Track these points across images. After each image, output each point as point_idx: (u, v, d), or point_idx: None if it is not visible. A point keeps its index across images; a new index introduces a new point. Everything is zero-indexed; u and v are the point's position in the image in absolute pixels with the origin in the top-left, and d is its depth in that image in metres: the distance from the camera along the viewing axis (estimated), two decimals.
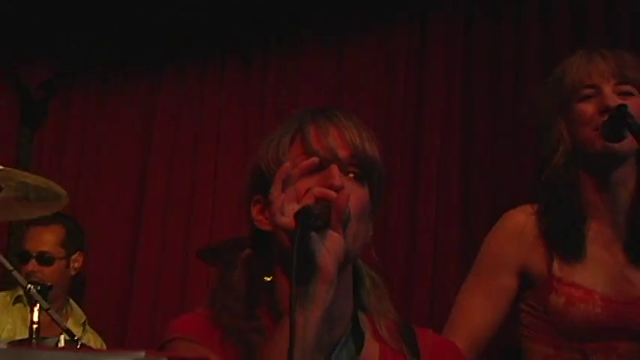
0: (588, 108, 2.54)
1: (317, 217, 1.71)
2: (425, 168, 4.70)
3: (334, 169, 1.80)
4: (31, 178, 3.63)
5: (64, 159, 5.51)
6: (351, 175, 1.86)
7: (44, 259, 4.35)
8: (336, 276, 1.74)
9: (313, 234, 1.71)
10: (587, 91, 2.54)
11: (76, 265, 4.57)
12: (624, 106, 2.45)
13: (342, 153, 1.85)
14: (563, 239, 2.56)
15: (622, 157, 2.53)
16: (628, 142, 2.47)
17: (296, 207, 1.71)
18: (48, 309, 3.47)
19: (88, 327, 4.48)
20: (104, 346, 4.48)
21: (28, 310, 4.06)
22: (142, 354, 1.07)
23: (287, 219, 1.71)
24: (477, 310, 2.63)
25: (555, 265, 2.56)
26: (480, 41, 4.76)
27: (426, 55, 4.87)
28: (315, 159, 1.81)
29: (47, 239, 4.41)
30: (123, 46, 5.53)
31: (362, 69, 5.00)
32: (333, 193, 1.74)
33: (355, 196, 1.81)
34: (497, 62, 4.65)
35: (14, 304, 4.37)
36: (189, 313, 1.96)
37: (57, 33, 5.49)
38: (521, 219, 2.66)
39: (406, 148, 4.75)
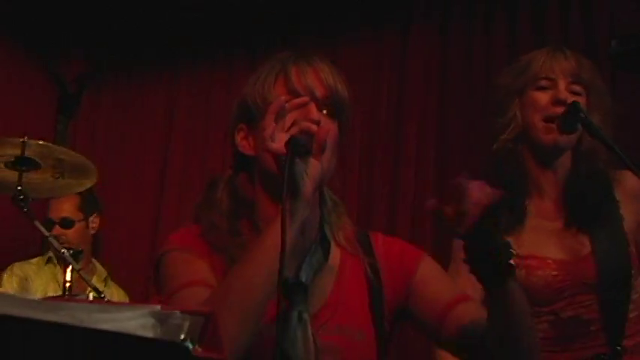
0: (542, 97, 2.54)
1: (302, 146, 1.77)
2: (404, 151, 4.69)
3: (312, 106, 1.86)
4: (65, 154, 3.63)
5: (94, 143, 5.50)
6: (325, 111, 1.89)
7: (66, 223, 4.36)
8: (312, 196, 1.83)
9: (298, 160, 1.76)
10: (545, 83, 2.55)
11: (94, 225, 4.62)
12: (578, 102, 2.46)
13: (319, 92, 1.89)
14: (511, 215, 2.53)
15: (566, 149, 2.56)
16: (572, 138, 2.52)
17: (284, 136, 1.77)
18: (79, 270, 3.48)
19: (110, 282, 4.48)
20: (127, 298, 4.50)
21: (58, 268, 4.10)
22: (158, 307, 1.05)
23: (278, 145, 1.77)
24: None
25: (512, 243, 2.55)
26: (453, 45, 4.73)
27: (407, 57, 4.85)
28: (306, 98, 1.86)
29: (66, 207, 4.43)
30: (146, 46, 5.50)
31: (352, 68, 4.97)
32: (315, 127, 1.80)
33: (329, 130, 1.88)
34: (469, 62, 4.64)
35: (46, 264, 4.37)
36: (184, 228, 2.00)
37: (89, 34, 5.50)
38: None
39: (389, 134, 4.76)
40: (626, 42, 1.59)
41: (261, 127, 1.85)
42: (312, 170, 1.79)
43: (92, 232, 4.58)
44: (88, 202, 4.53)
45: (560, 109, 2.49)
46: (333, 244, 1.99)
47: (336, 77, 1.95)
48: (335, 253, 1.99)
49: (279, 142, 1.77)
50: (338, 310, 1.92)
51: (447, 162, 4.57)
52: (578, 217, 2.56)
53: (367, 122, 4.82)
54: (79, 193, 4.36)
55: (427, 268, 2.04)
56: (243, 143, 1.97)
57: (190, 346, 1.02)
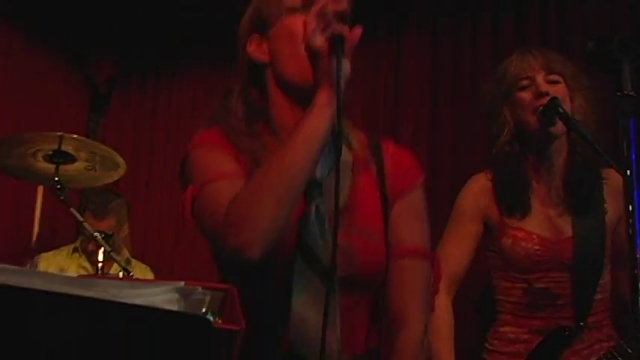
0: (526, 95, 2.56)
1: (343, 43, 1.66)
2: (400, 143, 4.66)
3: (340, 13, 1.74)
4: (97, 148, 3.64)
5: (123, 138, 5.51)
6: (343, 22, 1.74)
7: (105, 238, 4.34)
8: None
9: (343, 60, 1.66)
10: (524, 82, 2.57)
11: (124, 234, 4.50)
12: (556, 98, 2.49)
13: (340, 6, 1.75)
14: (513, 198, 2.58)
15: (555, 136, 2.56)
16: (559, 126, 2.51)
17: (322, 37, 1.67)
18: (110, 251, 3.49)
19: (135, 261, 4.43)
20: (149, 272, 4.48)
21: (83, 258, 4.09)
22: (182, 283, 1.06)
23: (321, 41, 1.66)
24: (453, 254, 2.64)
25: (505, 215, 2.59)
26: (444, 47, 4.73)
27: (402, 60, 4.83)
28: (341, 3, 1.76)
29: (103, 226, 4.34)
30: (169, 51, 5.50)
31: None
32: (348, 30, 1.69)
33: (355, 36, 1.71)
34: (458, 67, 4.63)
35: (72, 253, 4.36)
36: (207, 130, 1.85)
37: (119, 41, 5.51)
38: (483, 181, 2.68)
39: (384, 133, 4.72)
40: (601, 43, 1.58)
41: (280, 29, 1.77)
42: (346, 67, 1.66)
43: (123, 235, 4.49)
44: (120, 220, 4.45)
45: (544, 100, 2.51)
46: (345, 148, 1.79)
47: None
48: (347, 157, 1.81)
49: (321, 39, 1.67)
50: (353, 211, 1.77)
51: (439, 155, 4.57)
52: (571, 202, 2.58)
53: (366, 118, 4.81)
54: (113, 214, 4.32)
55: (413, 201, 1.90)
56: (257, 53, 1.83)
57: (211, 318, 1.03)
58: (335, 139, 1.69)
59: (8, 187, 4.70)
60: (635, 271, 1.47)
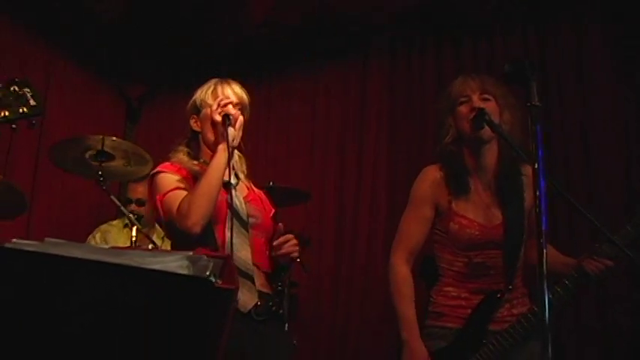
0: (464, 109, 2.58)
1: (229, 120, 2.39)
2: (366, 147, 4.67)
3: (231, 103, 2.47)
4: (131, 149, 3.64)
5: (151, 142, 5.42)
6: (237, 107, 2.49)
7: (139, 202, 4.32)
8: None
9: (227, 127, 2.38)
10: (463, 99, 2.59)
11: None
12: (483, 109, 2.51)
13: (235, 98, 2.50)
14: (457, 186, 2.58)
15: (484, 140, 2.56)
16: (487, 132, 2.52)
17: (219, 116, 2.40)
18: (141, 229, 3.48)
19: (166, 239, 4.42)
20: None
21: (130, 230, 4.08)
22: (190, 253, 1.06)
23: (218, 118, 2.40)
24: (412, 232, 2.61)
25: (453, 203, 2.57)
26: (399, 73, 4.70)
27: (366, 80, 4.82)
28: (231, 100, 2.47)
29: (140, 190, 4.36)
30: (186, 76, 5.45)
31: (328, 87, 4.97)
32: (233, 112, 2.44)
33: (239, 115, 2.46)
34: (410, 86, 4.63)
35: (124, 227, 4.33)
36: (165, 163, 2.47)
37: (148, 65, 5.45)
38: (434, 172, 2.66)
39: (354, 135, 4.75)
40: (515, 65, 1.60)
41: (204, 115, 2.48)
42: (232, 132, 2.38)
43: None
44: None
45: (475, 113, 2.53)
46: (238, 172, 2.54)
47: (242, 91, 2.53)
48: (242, 182, 2.53)
49: (218, 117, 2.39)
50: (252, 199, 2.48)
51: (398, 157, 4.55)
52: (501, 195, 2.59)
53: (338, 125, 4.81)
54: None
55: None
56: (194, 125, 2.53)
57: (213, 280, 1.03)
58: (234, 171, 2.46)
59: (65, 180, 4.69)
60: (541, 240, 1.49)
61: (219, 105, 2.42)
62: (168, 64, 5.40)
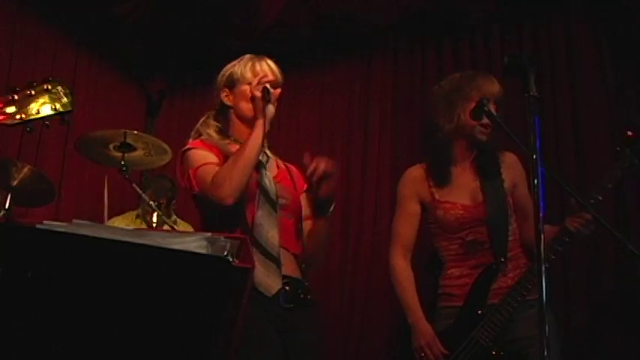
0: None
1: (269, 95, 2.24)
2: (371, 138, 4.64)
3: (270, 81, 2.30)
4: (151, 140, 3.63)
5: (170, 134, 5.39)
6: (274, 84, 2.31)
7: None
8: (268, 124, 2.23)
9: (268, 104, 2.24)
10: (484, 100, 2.46)
11: (173, 207, 4.40)
12: (484, 98, 2.46)
13: (272, 76, 2.32)
14: (439, 177, 2.61)
15: (484, 141, 2.60)
16: (487, 134, 2.56)
17: (259, 91, 2.23)
18: (161, 215, 3.47)
19: (180, 221, 4.35)
20: (191, 228, 4.38)
21: (143, 223, 4.04)
22: (209, 234, 1.05)
23: (257, 91, 2.23)
24: (403, 229, 2.67)
25: (436, 194, 2.60)
26: (401, 72, 4.66)
27: (370, 78, 4.78)
28: (270, 78, 2.31)
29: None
30: (206, 70, 5.40)
31: (332, 86, 4.94)
32: (272, 89, 2.28)
33: (277, 93, 2.32)
34: (412, 84, 4.59)
35: (136, 218, 4.31)
36: (195, 139, 2.32)
37: (167, 62, 5.44)
38: (416, 171, 2.71)
39: (360, 126, 4.71)
40: (513, 58, 1.58)
41: (241, 90, 2.31)
42: (270, 109, 2.24)
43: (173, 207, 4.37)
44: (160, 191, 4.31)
45: (487, 121, 2.50)
46: (270, 152, 2.39)
47: (277, 68, 2.36)
48: (272, 159, 2.38)
49: (259, 93, 2.22)
50: (282, 178, 2.33)
51: (398, 143, 4.54)
52: (480, 176, 2.60)
53: (345, 120, 4.78)
54: (166, 197, 4.15)
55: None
56: (226, 98, 2.36)
57: (231, 259, 1.02)
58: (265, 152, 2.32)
59: (91, 170, 4.68)
60: (539, 226, 1.48)
61: (259, 81, 2.24)
62: (186, 62, 5.38)
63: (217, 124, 2.35)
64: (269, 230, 2.14)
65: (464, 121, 2.56)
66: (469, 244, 2.53)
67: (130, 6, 4.66)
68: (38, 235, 0.96)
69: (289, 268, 2.17)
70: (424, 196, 2.63)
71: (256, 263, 2.02)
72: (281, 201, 2.24)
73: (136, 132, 3.56)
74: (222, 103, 2.36)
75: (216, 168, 2.13)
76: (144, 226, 4.12)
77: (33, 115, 1.97)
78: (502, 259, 2.49)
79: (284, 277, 2.12)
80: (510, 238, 2.54)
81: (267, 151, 2.35)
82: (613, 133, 3.77)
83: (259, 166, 2.23)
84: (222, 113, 2.37)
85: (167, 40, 5.09)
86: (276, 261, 2.12)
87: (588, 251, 3.60)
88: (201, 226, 2.29)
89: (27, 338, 0.95)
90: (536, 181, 1.52)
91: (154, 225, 3.44)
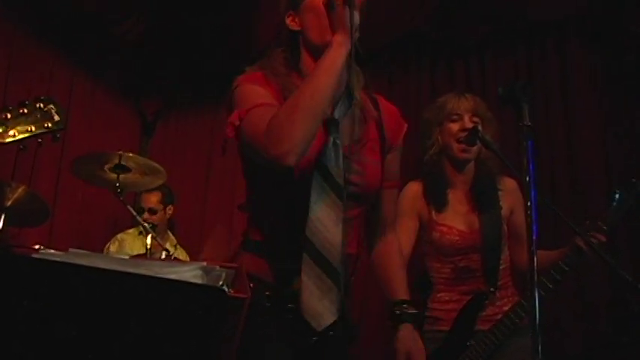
0: (454, 126, 2.58)
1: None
2: None
3: None
4: (146, 162, 3.64)
5: (165, 155, 5.41)
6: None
7: (151, 211, 4.32)
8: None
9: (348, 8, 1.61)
10: (455, 117, 2.59)
11: (169, 212, 4.48)
12: (477, 125, 2.53)
13: None
14: (437, 199, 2.59)
15: (470, 159, 2.60)
16: (474, 152, 2.56)
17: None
18: (155, 237, 3.47)
19: (179, 247, 4.41)
20: (188, 258, 4.43)
21: (144, 238, 4.06)
22: (205, 263, 1.06)
23: (339, 6, 1.61)
24: (402, 241, 2.58)
25: (433, 213, 2.59)
26: (397, 89, 4.70)
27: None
28: None
29: (152, 199, 4.36)
30: (196, 94, 5.45)
31: None
32: None
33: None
34: (407, 100, 4.63)
35: (139, 234, 4.33)
36: (249, 72, 1.74)
37: (162, 84, 5.47)
38: (415, 187, 2.67)
39: None
40: (507, 88, 1.60)
41: (308, 4, 1.70)
42: (356, 17, 1.63)
43: (168, 217, 4.46)
44: (167, 198, 4.42)
45: (464, 134, 2.54)
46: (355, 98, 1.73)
47: None
48: (356, 108, 1.73)
49: (338, 3, 1.61)
50: (362, 145, 1.71)
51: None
52: (477, 203, 2.59)
53: None
54: (161, 190, 4.30)
55: (399, 152, 1.86)
56: (292, 23, 1.73)
57: (226, 289, 1.02)
58: (347, 94, 1.67)
59: (85, 190, 4.69)
60: (532, 248, 1.49)
61: None
62: (182, 82, 5.41)
63: (286, 54, 1.76)
64: (329, 229, 1.56)
65: (442, 143, 2.60)
66: (461, 270, 2.54)
67: (126, 27, 4.70)
68: (35, 265, 0.97)
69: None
70: (422, 213, 2.62)
71: (304, 278, 1.52)
72: (350, 188, 1.63)
73: (131, 154, 3.57)
74: (288, 32, 1.76)
75: (274, 110, 1.54)
76: (147, 241, 4.12)
77: (25, 132, 1.98)
78: (492, 289, 2.50)
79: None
80: (501, 267, 2.55)
81: (354, 91, 1.71)
82: (607, 154, 3.81)
83: (329, 125, 1.63)
84: (290, 45, 1.77)
85: (162, 60, 5.13)
86: (336, 278, 1.54)
87: (582, 279, 3.61)
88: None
89: None
90: (529, 203, 1.54)
91: (148, 247, 3.43)
